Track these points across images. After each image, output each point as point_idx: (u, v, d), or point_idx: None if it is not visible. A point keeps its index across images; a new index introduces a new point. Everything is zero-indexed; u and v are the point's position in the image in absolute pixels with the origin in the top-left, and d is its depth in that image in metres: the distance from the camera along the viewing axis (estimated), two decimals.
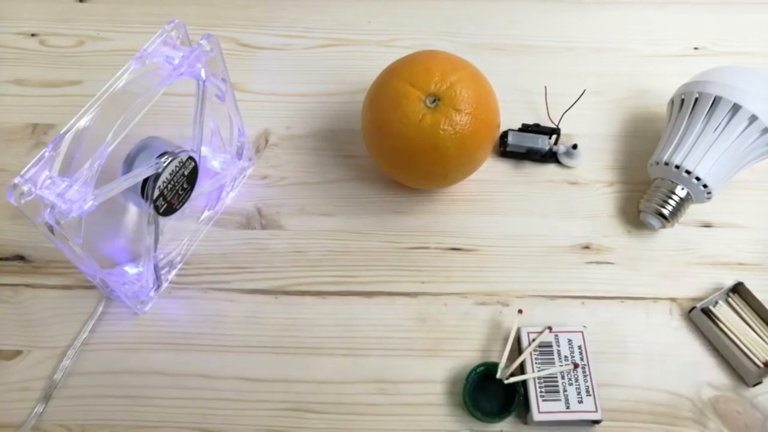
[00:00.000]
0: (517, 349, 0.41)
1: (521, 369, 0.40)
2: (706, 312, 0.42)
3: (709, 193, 0.44)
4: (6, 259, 0.45)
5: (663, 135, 0.47)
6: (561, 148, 0.49)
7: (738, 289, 0.43)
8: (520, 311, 0.41)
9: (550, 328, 0.40)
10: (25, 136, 0.50)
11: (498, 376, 0.39)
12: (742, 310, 0.43)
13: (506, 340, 0.41)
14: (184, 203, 0.41)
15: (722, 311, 0.42)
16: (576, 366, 0.39)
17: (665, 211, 0.44)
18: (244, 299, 0.44)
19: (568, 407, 0.38)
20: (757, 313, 0.42)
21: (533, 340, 0.40)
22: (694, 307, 0.42)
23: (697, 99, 0.44)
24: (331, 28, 0.57)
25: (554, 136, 0.49)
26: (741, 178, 0.47)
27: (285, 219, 0.47)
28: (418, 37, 0.57)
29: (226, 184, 0.47)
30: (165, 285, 0.44)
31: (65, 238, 0.33)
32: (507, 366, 0.40)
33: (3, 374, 0.41)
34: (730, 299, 0.43)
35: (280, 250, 0.46)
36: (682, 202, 0.44)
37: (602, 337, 0.42)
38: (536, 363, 0.40)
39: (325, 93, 0.53)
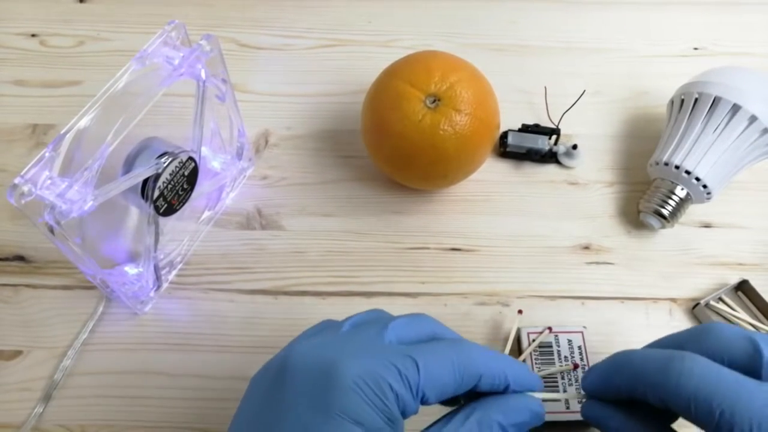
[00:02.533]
0: (517, 349, 0.41)
1: None
2: (712, 308, 0.42)
3: (708, 193, 0.44)
4: (6, 259, 0.45)
5: (663, 135, 0.47)
6: (561, 149, 0.49)
7: (743, 287, 0.43)
8: (520, 311, 0.41)
9: (550, 328, 0.40)
10: (25, 136, 0.50)
11: None
12: (746, 307, 0.43)
13: (506, 340, 0.41)
14: (184, 203, 0.41)
15: (726, 308, 0.42)
16: (576, 366, 0.39)
17: (665, 212, 0.44)
18: (244, 299, 0.44)
19: (568, 407, 0.38)
20: (761, 311, 0.43)
21: (533, 340, 0.40)
22: (697, 303, 0.43)
23: (696, 99, 0.44)
24: (331, 28, 0.57)
25: (554, 137, 0.49)
26: (741, 178, 0.47)
27: (285, 219, 0.47)
28: (418, 37, 0.57)
29: (226, 185, 0.47)
30: (165, 285, 0.44)
31: (65, 239, 0.33)
32: None
33: (3, 374, 0.41)
34: (733, 297, 0.43)
35: (280, 250, 0.46)
36: (682, 203, 0.44)
37: (602, 337, 0.42)
38: (536, 363, 0.40)
39: (326, 93, 0.53)
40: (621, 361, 0.30)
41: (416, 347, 0.28)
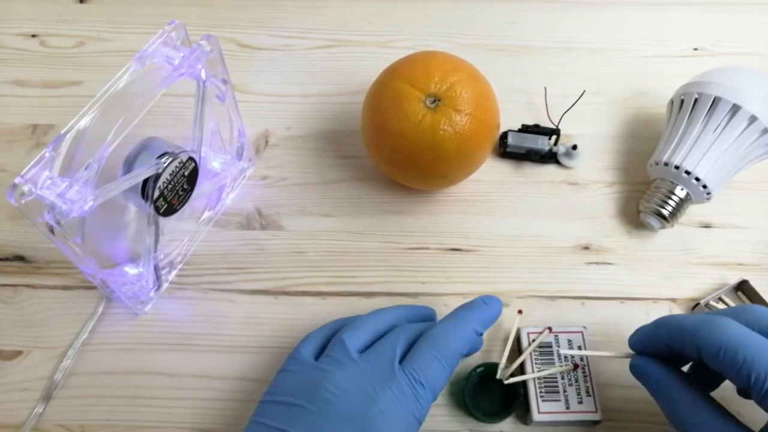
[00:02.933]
0: (517, 349, 0.41)
1: (521, 369, 0.40)
2: (712, 308, 0.42)
3: (708, 193, 0.44)
4: (6, 259, 0.45)
5: (662, 135, 0.47)
6: (561, 149, 0.49)
7: (743, 287, 0.43)
8: (520, 312, 0.41)
9: (550, 328, 0.40)
10: (25, 136, 0.50)
11: (498, 376, 0.39)
12: None
13: (506, 340, 0.41)
14: (184, 204, 0.41)
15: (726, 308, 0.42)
16: (576, 366, 0.39)
17: (665, 212, 0.44)
18: (244, 300, 0.44)
19: (568, 408, 0.38)
20: None
21: (533, 340, 0.40)
22: (697, 303, 0.43)
23: (696, 99, 0.44)
24: (331, 29, 0.57)
25: (554, 137, 0.49)
26: (741, 178, 0.47)
27: (285, 219, 0.47)
28: (418, 37, 0.57)
29: (226, 185, 0.47)
30: (165, 285, 0.44)
31: (65, 239, 0.33)
32: (507, 366, 0.40)
33: (3, 374, 0.41)
34: (733, 297, 0.43)
35: (280, 250, 0.46)
36: (682, 203, 0.44)
37: (602, 337, 0.42)
38: (536, 363, 0.40)
39: (326, 94, 0.53)
40: (666, 319, 0.35)
41: (414, 365, 0.34)
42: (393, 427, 0.32)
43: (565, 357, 0.40)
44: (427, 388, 0.33)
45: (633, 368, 0.36)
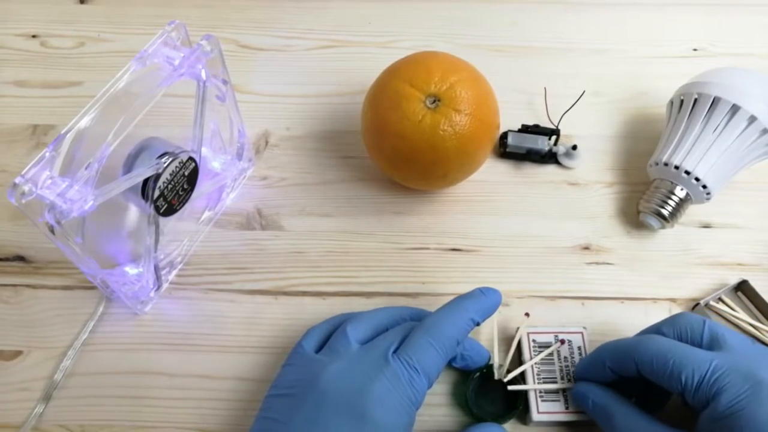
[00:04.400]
0: (517, 349, 0.41)
1: (519, 365, 0.40)
2: (711, 308, 0.42)
3: (708, 193, 0.44)
4: (6, 259, 0.45)
5: (662, 136, 0.47)
6: (561, 149, 0.49)
7: (742, 287, 0.43)
8: (498, 310, 0.41)
9: (527, 314, 0.41)
10: (25, 137, 0.50)
11: (496, 377, 0.39)
12: (746, 307, 0.43)
13: (506, 340, 0.40)
14: (184, 204, 0.41)
15: (726, 308, 0.42)
16: (562, 342, 0.40)
17: (665, 212, 0.44)
18: (244, 300, 0.44)
19: (567, 407, 0.38)
20: (761, 311, 0.43)
21: (533, 340, 0.40)
22: (697, 303, 0.43)
23: (696, 100, 0.44)
24: (331, 29, 0.57)
25: (554, 137, 0.49)
26: (741, 178, 0.47)
27: (285, 220, 0.47)
28: (419, 38, 0.57)
29: (227, 185, 0.47)
30: (165, 285, 0.44)
31: (66, 238, 0.33)
32: (501, 366, 0.40)
33: (3, 374, 0.41)
34: (732, 297, 0.43)
35: (280, 250, 0.46)
36: (682, 203, 0.44)
37: (602, 337, 0.42)
38: (535, 364, 0.40)
39: (325, 94, 0.53)
40: (605, 344, 0.38)
41: (408, 351, 0.34)
42: (389, 413, 0.33)
43: (565, 357, 0.40)
44: (421, 373, 0.34)
45: (574, 395, 0.38)
